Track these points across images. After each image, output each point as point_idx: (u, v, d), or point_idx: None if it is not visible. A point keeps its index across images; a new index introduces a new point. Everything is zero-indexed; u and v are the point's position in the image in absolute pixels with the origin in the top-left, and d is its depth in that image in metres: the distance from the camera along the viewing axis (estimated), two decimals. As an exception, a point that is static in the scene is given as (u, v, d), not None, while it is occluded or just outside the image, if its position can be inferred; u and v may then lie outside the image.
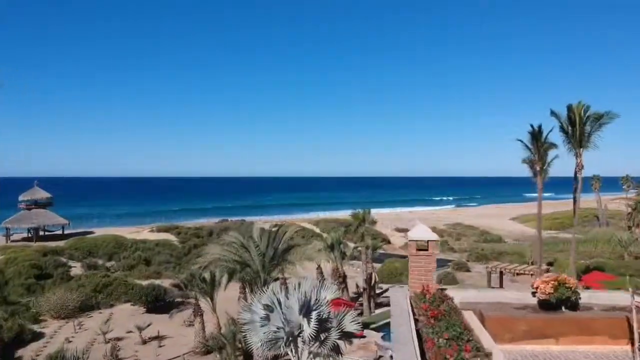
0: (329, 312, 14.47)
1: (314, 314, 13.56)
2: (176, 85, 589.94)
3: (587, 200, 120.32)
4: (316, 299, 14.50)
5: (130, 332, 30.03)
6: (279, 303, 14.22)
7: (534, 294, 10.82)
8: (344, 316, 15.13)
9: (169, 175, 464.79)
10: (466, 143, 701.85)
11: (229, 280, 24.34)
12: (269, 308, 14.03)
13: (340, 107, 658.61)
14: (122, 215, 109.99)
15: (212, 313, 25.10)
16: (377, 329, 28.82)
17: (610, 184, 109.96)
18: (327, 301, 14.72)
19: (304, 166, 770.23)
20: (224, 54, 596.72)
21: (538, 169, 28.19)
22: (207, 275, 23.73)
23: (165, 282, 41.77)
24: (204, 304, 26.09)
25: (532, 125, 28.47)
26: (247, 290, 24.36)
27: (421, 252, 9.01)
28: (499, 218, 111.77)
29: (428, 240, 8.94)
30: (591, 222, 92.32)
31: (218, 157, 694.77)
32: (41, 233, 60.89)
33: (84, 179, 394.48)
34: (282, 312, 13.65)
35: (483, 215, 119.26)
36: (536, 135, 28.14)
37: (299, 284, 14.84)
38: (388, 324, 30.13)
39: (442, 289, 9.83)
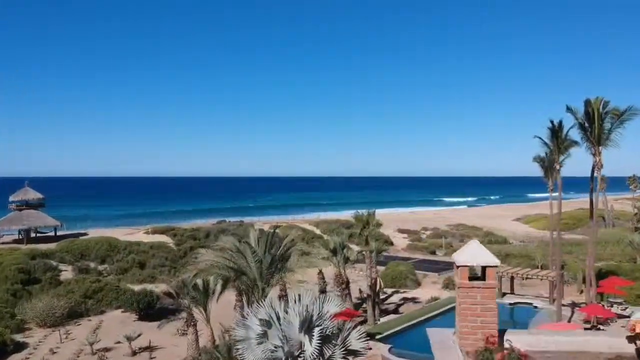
0: (334, 327, 12.71)
1: (316, 331, 11.79)
2: (176, 85, 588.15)
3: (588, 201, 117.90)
4: (319, 314, 12.74)
5: (120, 342, 28.14)
6: (277, 318, 12.42)
7: (632, 339, 8.40)
8: (349, 333, 13.30)
9: (168, 175, 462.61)
10: (466, 143, 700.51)
11: (223, 289, 22.43)
12: (266, 324, 12.25)
13: (340, 107, 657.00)
14: (119, 216, 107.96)
15: (205, 324, 23.21)
16: (383, 340, 26.88)
17: (614, 183, 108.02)
18: (331, 315, 12.94)
19: (304, 166, 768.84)
20: (224, 54, 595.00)
21: (558, 167, 26.27)
22: (199, 283, 21.82)
23: (160, 287, 39.91)
24: (198, 313, 24.19)
25: (552, 121, 26.54)
26: (243, 298, 22.52)
27: (475, 283, 6.14)
28: (502, 219, 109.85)
29: (485, 266, 6.09)
30: (597, 223, 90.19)
31: (218, 157, 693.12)
32: (32, 235, 58.92)
33: (81, 179, 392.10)
34: (281, 329, 11.37)
35: (485, 215, 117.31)
36: (556, 131, 26.22)
37: (300, 297, 13.04)
38: (395, 333, 28.24)
39: (502, 330, 7.27)
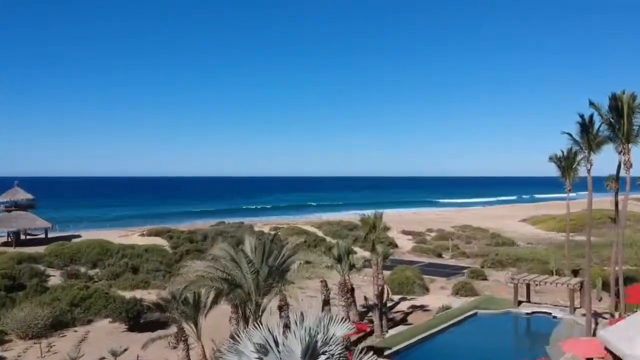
0: (341, 353, 10.58)
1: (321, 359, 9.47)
2: (176, 86, 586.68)
3: (600, 201, 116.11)
4: (324, 338, 10.54)
5: (104, 358, 25.82)
6: (276, 343, 9.81)
7: None
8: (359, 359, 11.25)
9: (167, 175, 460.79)
10: (467, 143, 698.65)
11: (215, 303, 20.08)
12: (262, 349, 9.70)
13: (340, 107, 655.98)
14: (116, 217, 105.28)
15: (196, 340, 20.87)
16: (392, 356, 24.60)
17: (621, 183, 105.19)
18: (338, 340, 10.81)
19: (304, 166, 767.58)
20: (224, 54, 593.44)
21: (589, 167, 23.84)
22: (189, 296, 19.47)
23: (153, 293, 37.67)
24: (189, 327, 21.84)
25: (581, 116, 24.10)
26: (239, 312, 20.21)
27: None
28: (507, 219, 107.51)
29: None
30: (606, 225, 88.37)
31: (218, 157, 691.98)
32: (22, 237, 56.52)
33: (78, 179, 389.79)
34: (280, 357, 9.50)
35: (490, 216, 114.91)
36: (587, 126, 23.80)
37: (302, 316, 10.84)
38: (406, 348, 25.89)
39: None
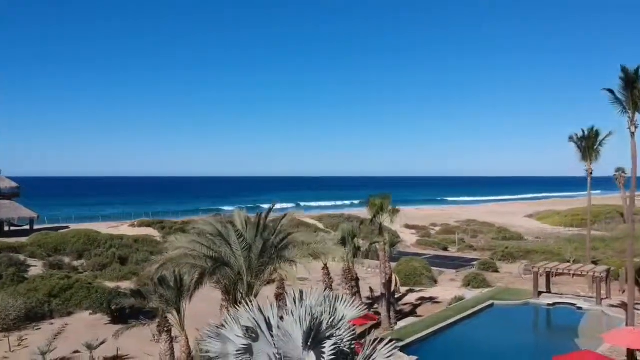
0: (351, 339, 7.82)
1: (327, 346, 7.21)
2: (176, 86, 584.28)
3: (605, 197, 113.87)
4: (330, 320, 7.78)
5: (79, 352, 22.99)
6: (268, 326, 7.68)
7: None
8: (374, 348, 8.65)
9: (166, 175, 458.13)
10: (466, 143, 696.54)
11: (198, 285, 17.19)
12: (251, 334, 7.60)
13: (340, 107, 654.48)
14: (113, 215, 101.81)
15: (179, 330, 18.05)
16: (404, 349, 21.81)
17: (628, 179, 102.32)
18: (347, 323, 8.06)
19: (304, 166, 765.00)
20: (224, 53, 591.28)
21: (633, 130, 20.79)
22: (168, 276, 16.63)
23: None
24: (171, 315, 19.01)
25: (624, 69, 20.87)
26: (230, 297, 17.40)
27: None
28: (512, 215, 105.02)
29: None
30: (614, 220, 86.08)
31: (217, 157, 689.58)
32: (6, 228, 53.57)
33: (77, 179, 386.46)
34: (273, 342, 7.38)
35: (495, 212, 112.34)
36: (632, 80, 20.68)
37: (302, 294, 8.17)
38: (419, 340, 23.07)
39: None
